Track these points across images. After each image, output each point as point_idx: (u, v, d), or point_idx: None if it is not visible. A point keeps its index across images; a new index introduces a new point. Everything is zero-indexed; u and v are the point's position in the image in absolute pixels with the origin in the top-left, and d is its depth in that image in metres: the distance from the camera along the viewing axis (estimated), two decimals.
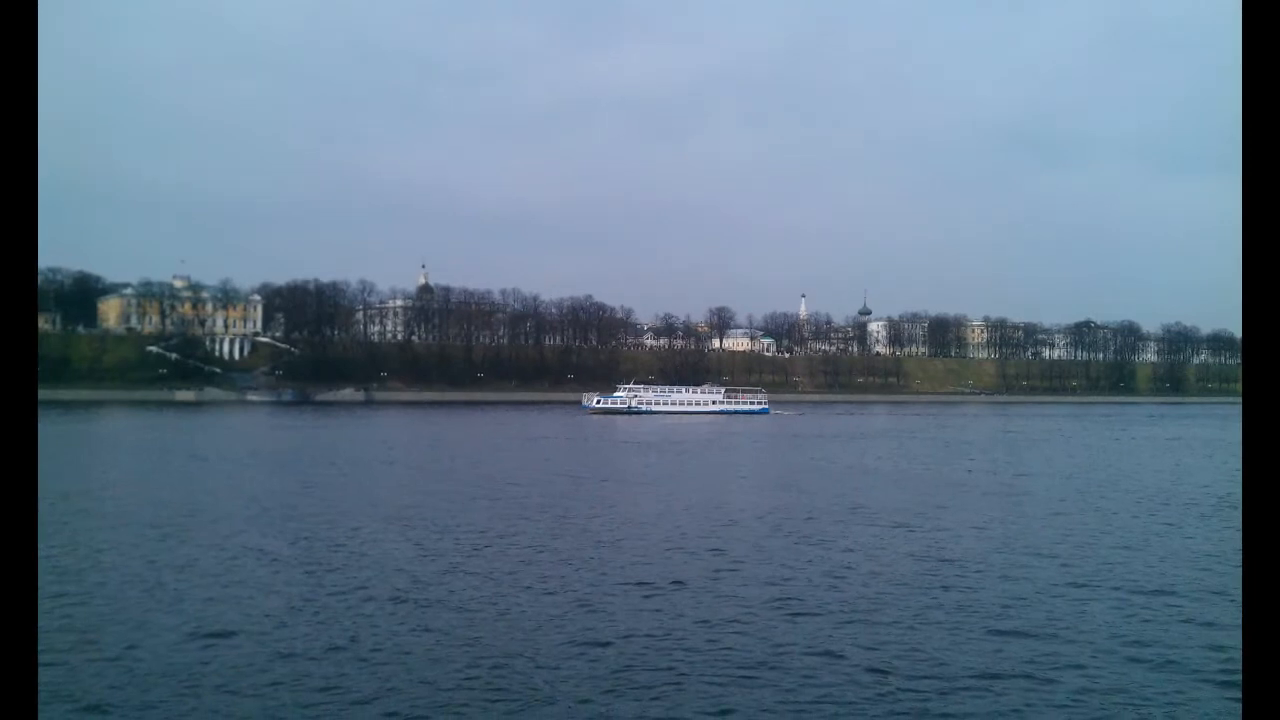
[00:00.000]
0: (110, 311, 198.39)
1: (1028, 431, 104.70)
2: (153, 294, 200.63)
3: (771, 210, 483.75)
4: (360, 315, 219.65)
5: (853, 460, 62.43)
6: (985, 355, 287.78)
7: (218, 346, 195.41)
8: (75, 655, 17.51)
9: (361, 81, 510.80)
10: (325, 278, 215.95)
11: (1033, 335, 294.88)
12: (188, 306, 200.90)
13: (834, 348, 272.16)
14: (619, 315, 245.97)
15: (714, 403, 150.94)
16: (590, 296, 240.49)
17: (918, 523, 33.63)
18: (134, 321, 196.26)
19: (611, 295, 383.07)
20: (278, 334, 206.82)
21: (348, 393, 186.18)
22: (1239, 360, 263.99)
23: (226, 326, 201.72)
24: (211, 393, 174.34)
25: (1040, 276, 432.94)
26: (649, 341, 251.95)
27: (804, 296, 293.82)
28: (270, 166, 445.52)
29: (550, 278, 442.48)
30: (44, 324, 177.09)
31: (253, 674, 16.66)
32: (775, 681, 16.47)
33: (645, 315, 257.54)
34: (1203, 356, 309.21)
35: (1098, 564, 26.68)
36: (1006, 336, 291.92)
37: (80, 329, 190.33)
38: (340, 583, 23.46)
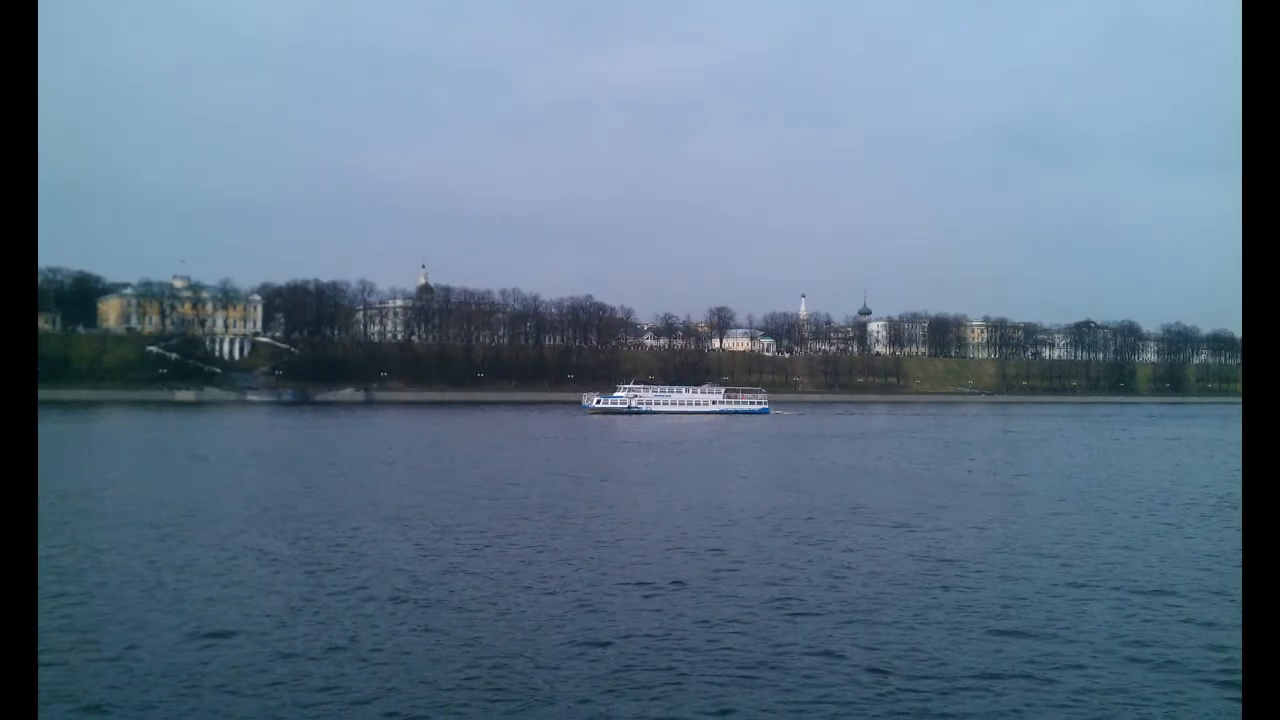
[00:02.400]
0: (110, 311, 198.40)
1: (1028, 431, 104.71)
2: (153, 294, 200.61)
3: (771, 210, 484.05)
4: (360, 315, 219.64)
5: (853, 460, 62.43)
6: (985, 355, 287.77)
7: (218, 346, 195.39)
8: (75, 655, 17.51)
9: (361, 81, 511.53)
10: (325, 278, 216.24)
11: (1033, 335, 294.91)
12: (188, 306, 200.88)
13: (834, 348, 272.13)
14: (619, 315, 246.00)
15: (714, 403, 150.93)
16: (590, 296, 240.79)
17: (918, 523, 33.62)
18: (134, 321, 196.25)
19: (611, 295, 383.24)
20: (278, 334, 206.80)
21: (348, 393, 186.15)
22: (1239, 360, 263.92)
23: (226, 326, 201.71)
24: (211, 393, 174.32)
25: (1040, 276, 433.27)
26: (649, 341, 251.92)
27: (804, 296, 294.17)
28: (270, 166, 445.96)
29: (550, 278, 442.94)
30: (44, 324, 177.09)
31: (253, 674, 16.66)
32: (775, 681, 16.47)
33: (645, 315, 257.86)
34: (1203, 356, 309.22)
35: (1098, 564, 26.68)
36: (1006, 336, 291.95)
37: (80, 329, 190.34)
38: (340, 583, 23.46)
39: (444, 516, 34.37)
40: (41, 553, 25.86)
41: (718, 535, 30.77)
